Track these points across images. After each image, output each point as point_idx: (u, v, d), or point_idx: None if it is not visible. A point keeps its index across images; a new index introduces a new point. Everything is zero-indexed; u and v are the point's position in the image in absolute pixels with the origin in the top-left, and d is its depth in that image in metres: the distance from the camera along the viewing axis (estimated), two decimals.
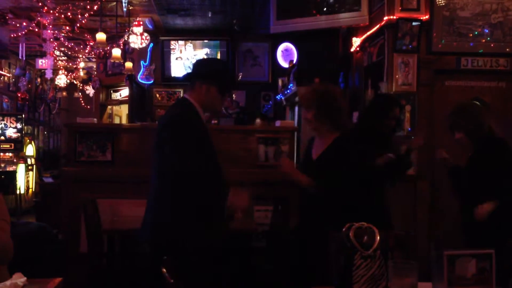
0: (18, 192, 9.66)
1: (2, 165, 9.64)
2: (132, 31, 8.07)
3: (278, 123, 5.25)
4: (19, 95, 10.76)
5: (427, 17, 4.93)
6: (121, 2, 6.51)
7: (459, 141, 3.40)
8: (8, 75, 11.12)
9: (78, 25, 8.46)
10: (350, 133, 3.14)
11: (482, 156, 3.30)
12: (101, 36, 6.93)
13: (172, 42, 9.93)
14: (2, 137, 9.90)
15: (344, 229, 2.01)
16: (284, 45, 9.24)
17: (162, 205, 2.66)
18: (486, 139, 3.32)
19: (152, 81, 9.91)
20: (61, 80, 10.72)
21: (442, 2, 4.94)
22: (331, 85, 3.34)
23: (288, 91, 7.21)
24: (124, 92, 10.77)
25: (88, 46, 9.98)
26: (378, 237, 1.97)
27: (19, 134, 10.03)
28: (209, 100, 2.74)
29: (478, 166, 3.32)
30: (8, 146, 9.91)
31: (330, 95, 3.04)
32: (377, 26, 5.30)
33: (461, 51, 4.98)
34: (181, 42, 9.96)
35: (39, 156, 11.70)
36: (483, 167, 3.27)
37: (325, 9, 6.09)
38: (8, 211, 2.55)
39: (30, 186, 10.43)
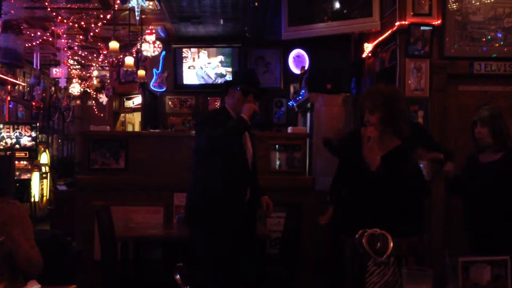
0: (32, 200, 9.74)
1: (17, 173, 9.73)
2: (144, 39, 8.13)
3: (290, 130, 5.25)
4: (33, 104, 10.89)
5: (439, 22, 4.91)
6: (134, 11, 6.56)
7: (478, 135, 3.33)
8: (23, 84, 11.25)
9: (91, 34, 8.56)
10: (409, 141, 2.82)
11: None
12: (114, 44, 7.00)
13: (184, 50, 9.98)
14: (17, 146, 10.01)
15: (357, 236, 2.00)
16: (295, 52, 9.24)
17: (194, 180, 3.27)
18: None
19: (164, 89, 9.97)
20: (75, 88, 10.85)
21: (454, 6, 4.92)
22: (397, 87, 3.29)
23: (300, 97, 7.21)
24: (137, 100, 10.84)
25: (101, 55, 10.08)
26: (392, 244, 1.96)
27: (33, 142, 10.13)
28: (234, 102, 3.25)
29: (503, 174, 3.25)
30: (23, 154, 10.01)
31: (397, 97, 2.75)
32: (389, 31, 5.28)
33: (474, 56, 4.94)
34: (193, 50, 10.01)
35: (53, 164, 11.80)
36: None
37: (336, 15, 6.08)
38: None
39: (45, 194, 10.52)
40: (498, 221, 3.21)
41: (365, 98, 2.82)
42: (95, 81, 12.04)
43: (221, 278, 3.09)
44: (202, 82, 10.03)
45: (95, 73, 11.84)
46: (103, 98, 11.82)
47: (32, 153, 10.11)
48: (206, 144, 3.12)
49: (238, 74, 3.48)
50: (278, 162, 4.91)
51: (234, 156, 3.21)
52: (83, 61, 11.46)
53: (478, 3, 4.92)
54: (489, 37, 4.94)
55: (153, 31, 8.23)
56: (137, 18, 6.75)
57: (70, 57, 9.99)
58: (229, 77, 10.02)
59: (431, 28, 4.84)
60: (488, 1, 4.93)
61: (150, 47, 8.17)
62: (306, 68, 7.87)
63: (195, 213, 3.25)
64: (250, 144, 3.38)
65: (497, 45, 4.94)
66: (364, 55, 6.26)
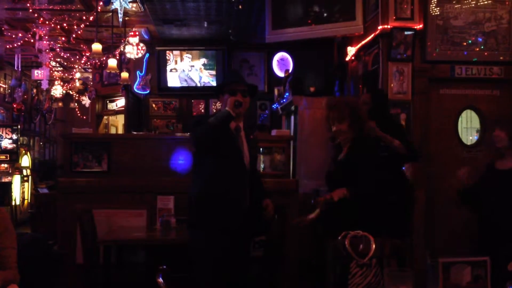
0: (13, 203, 9.61)
1: None
2: (128, 41, 8.07)
3: (274, 132, 5.26)
4: (14, 106, 10.74)
5: (421, 26, 4.97)
6: (117, 12, 6.52)
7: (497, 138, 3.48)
8: (4, 86, 11.10)
9: (74, 35, 8.47)
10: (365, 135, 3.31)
11: None
12: (97, 46, 6.94)
13: (167, 52, 9.95)
14: None
15: (339, 238, 2.01)
16: (279, 55, 9.27)
17: (191, 180, 3.34)
18: None
19: (148, 91, 9.92)
20: (57, 90, 10.71)
21: (436, 11, 4.98)
22: (353, 97, 3.44)
23: (284, 100, 7.23)
24: (120, 102, 10.76)
25: (84, 57, 9.98)
26: (374, 246, 1.97)
27: (14, 145, 10.00)
28: (225, 105, 3.17)
29: None
30: (4, 157, 9.87)
31: (358, 106, 3.34)
32: (372, 35, 5.33)
33: (455, 60, 5.02)
34: (176, 53, 9.98)
35: (34, 167, 11.66)
36: None
37: (320, 18, 6.12)
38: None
39: (26, 197, 10.38)
40: None
41: (331, 110, 3.27)
42: (77, 83, 11.90)
43: (214, 281, 3.07)
44: (185, 85, 10.00)
45: (78, 75, 11.71)
46: (86, 101, 11.71)
47: (13, 155, 9.97)
48: (195, 143, 3.21)
49: (223, 79, 3.45)
50: (262, 165, 4.91)
51: (228, 158, 3.17)
52: (65, 63, 11.35)
53: (459, 8, 4.99)
54: (469, 41, 5.01)
55: (137, 33, 8.17)
56: (120, 20, 6.71)
57: (52, 59, 9.88)
58: (212, 80, 10.02)
59: (413, 32, 4.90)
60: (469, 6, 5.00)
61: (133, 49, 8.11)
62: (290, 71, 7.91)
63: (191, 214, 3.25)
64: (247, 149, 3.31)
65: (477, 49, 5.02)
66: (347, 59, 6.31)
